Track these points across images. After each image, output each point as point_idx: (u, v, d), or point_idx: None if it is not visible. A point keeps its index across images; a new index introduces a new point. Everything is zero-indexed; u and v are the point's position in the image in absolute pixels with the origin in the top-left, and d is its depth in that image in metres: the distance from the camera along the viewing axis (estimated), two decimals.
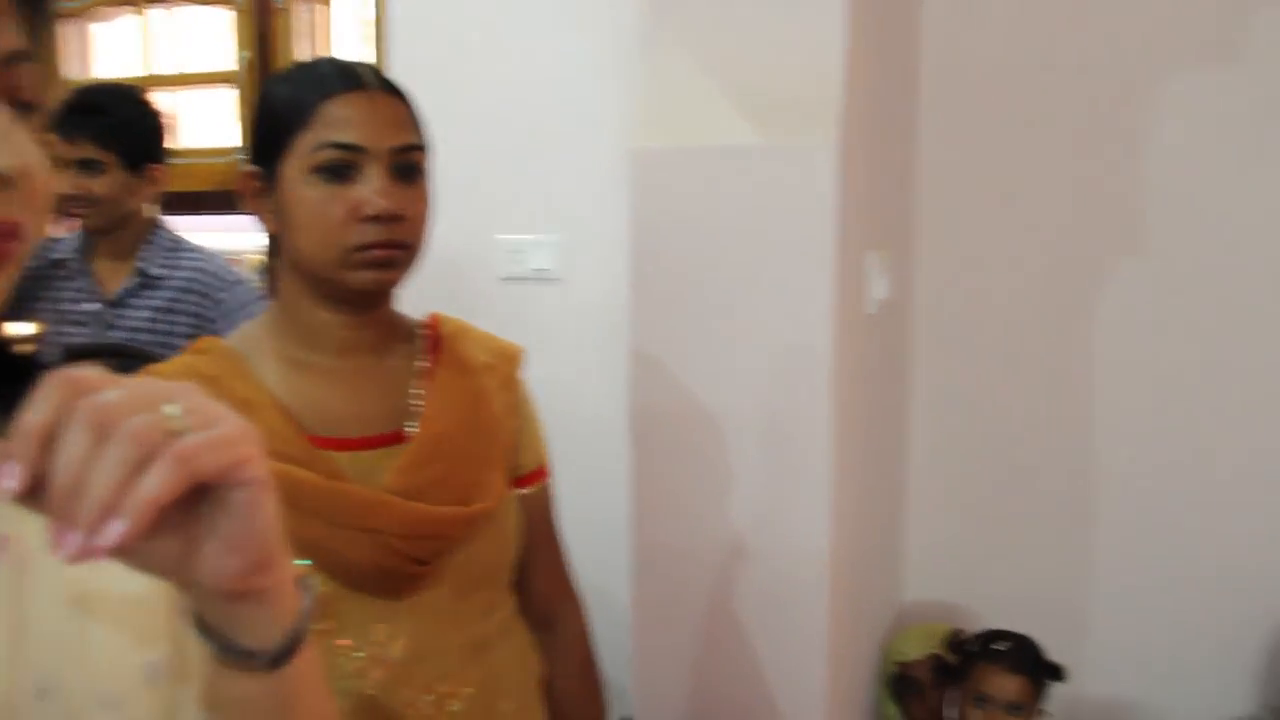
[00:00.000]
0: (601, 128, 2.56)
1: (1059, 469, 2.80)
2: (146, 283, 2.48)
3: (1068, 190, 2.70)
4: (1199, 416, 2.70)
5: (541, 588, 1.56)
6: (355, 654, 1.29)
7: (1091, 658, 2.64)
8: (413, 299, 1.48)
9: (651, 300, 2.04)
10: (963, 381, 2.81)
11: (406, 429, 1.36)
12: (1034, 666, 2.29)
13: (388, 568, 1.28)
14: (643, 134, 2.01)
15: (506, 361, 1.50)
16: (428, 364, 1.42)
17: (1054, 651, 2.38)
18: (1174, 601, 2.78)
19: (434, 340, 1.45)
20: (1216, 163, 2.61)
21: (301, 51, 3.16)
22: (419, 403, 1.37)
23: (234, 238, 2.98)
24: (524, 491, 1.50)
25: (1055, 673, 2.32)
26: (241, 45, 3.16)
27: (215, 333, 2.02)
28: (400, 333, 1.44)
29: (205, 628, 0.66)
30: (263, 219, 1.35)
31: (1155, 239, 2.66)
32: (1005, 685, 2.26)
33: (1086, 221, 2.71)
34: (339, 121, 1.28)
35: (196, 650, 0.68)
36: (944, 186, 2.76)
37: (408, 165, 1.32)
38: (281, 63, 3.10)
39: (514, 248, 2.65)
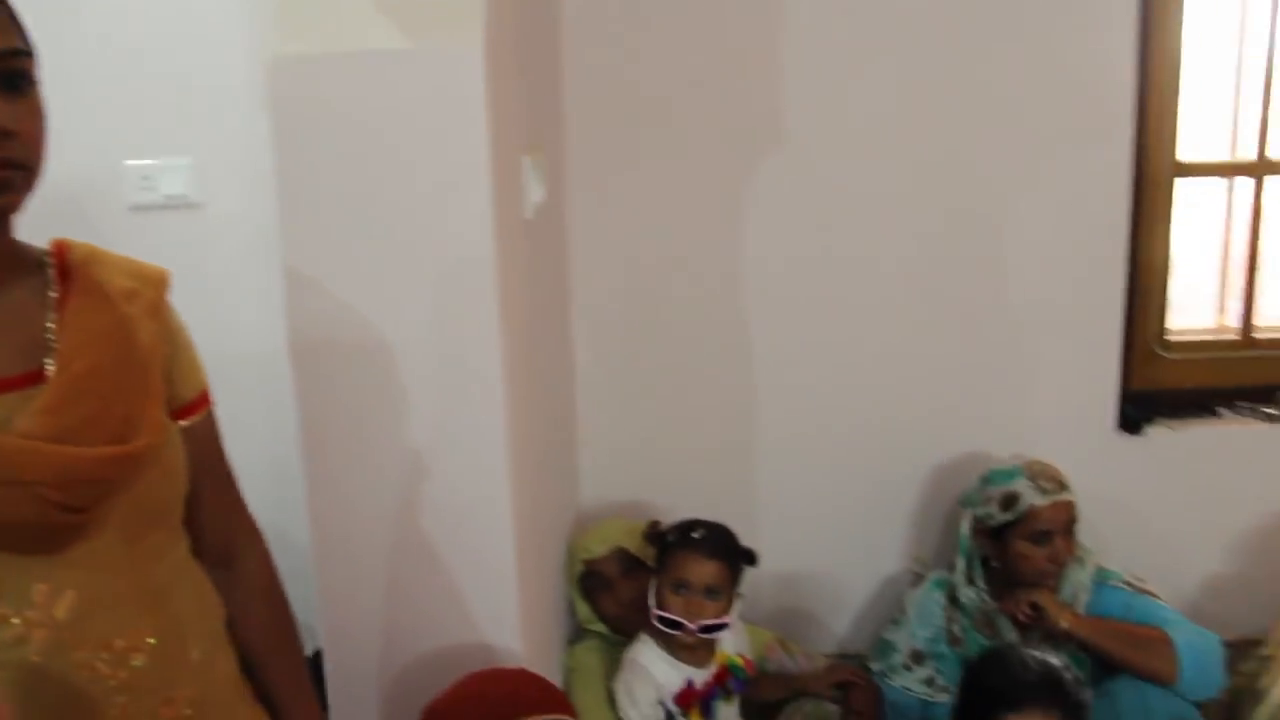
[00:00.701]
0: (233, 36, 2.40)
1: (718, 361, 2.91)
2: None
3: (711, 89, 2.78)
4: (841, 298, 2.87)
5: (215, 521, 1.46)
6: (12, 620, 1.16)
7: (763, 537, 2.76)
8: (28, 237, 1.32)
9: (302, 221, 1.93)
10: (620, 282, 2.85)
11: (47, 367, 1.22)
12: (729, 552, 2.39)
13: (38, 521, 1.16)
14: (277, 41, 1.88)
15: (151, 286, 1.36)
16: (60, 294, 1.27)
17: None
18: (832, 476, 2.97)
19: (63, 268, 1.30)
20: (845, 62, 2.77)
21: None
22: (56, 338, 1.24)
23: None
24: (186, 423, 1.39)
25: (749, 557, 2.42)
26: None
27: None
28: (24, 263, 1.27)
29: None
30: None
31: (793, 132, 2.79)
32: (703, 571, 2.34)
33: (729, 119, 2.79)
34: None
35: None
36: (591, 87, 2.76)
37: (11, 73, 1.16)
38: None
39: (143, 173, 2.46)
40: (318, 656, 2.05)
